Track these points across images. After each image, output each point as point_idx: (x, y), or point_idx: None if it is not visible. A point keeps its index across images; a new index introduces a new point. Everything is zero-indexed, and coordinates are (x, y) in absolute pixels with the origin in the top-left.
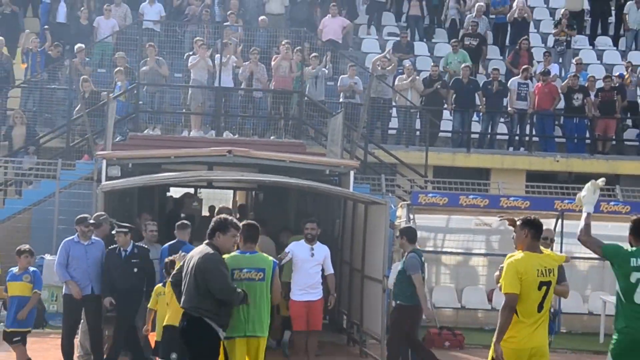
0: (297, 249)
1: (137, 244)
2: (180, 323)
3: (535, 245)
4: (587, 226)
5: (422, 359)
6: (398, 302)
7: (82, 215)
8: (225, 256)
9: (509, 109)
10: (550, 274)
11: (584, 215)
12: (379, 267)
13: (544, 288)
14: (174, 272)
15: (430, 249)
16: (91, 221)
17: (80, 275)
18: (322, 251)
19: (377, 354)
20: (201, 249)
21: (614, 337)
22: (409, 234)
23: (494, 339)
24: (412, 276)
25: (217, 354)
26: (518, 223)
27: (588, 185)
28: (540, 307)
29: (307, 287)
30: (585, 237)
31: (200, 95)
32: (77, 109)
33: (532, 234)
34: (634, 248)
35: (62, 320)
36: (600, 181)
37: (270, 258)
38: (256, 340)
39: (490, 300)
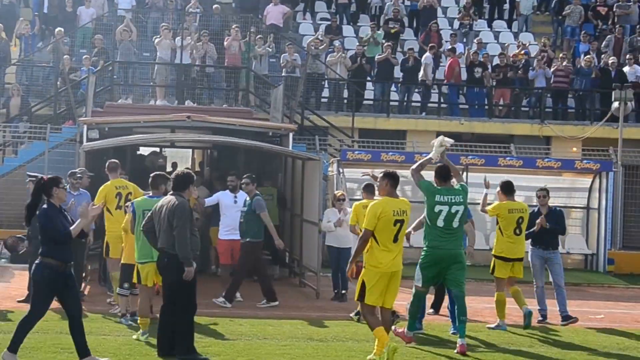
0: (222, 197)
1: None
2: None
3: (393, 192)
4: (421, 165)
5: (265, 288)
6: (247, 239)
7: (72, 170)
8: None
9: (425, 80)
10: (403, 214)
11: (426, 157)
12: (314, 212)
13: (398, 224)
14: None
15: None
16: (79, 175)
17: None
18: (244, 198)
19: (314, 284)
20: (170, 199)
21: (423, 252)
22: (255, 180)
23: (350, 260)
24: (260, 214)
25: (194, 280)
26: (380, 176)
27: (438, 138)
28: (395, 239)
29: (231, 229)
30: (414, 172)
31: (165, 70)
32: (59, 82)
33: (391, 184)
34: (439, 187)
35: None
36: (446, 142)
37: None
38: None
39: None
